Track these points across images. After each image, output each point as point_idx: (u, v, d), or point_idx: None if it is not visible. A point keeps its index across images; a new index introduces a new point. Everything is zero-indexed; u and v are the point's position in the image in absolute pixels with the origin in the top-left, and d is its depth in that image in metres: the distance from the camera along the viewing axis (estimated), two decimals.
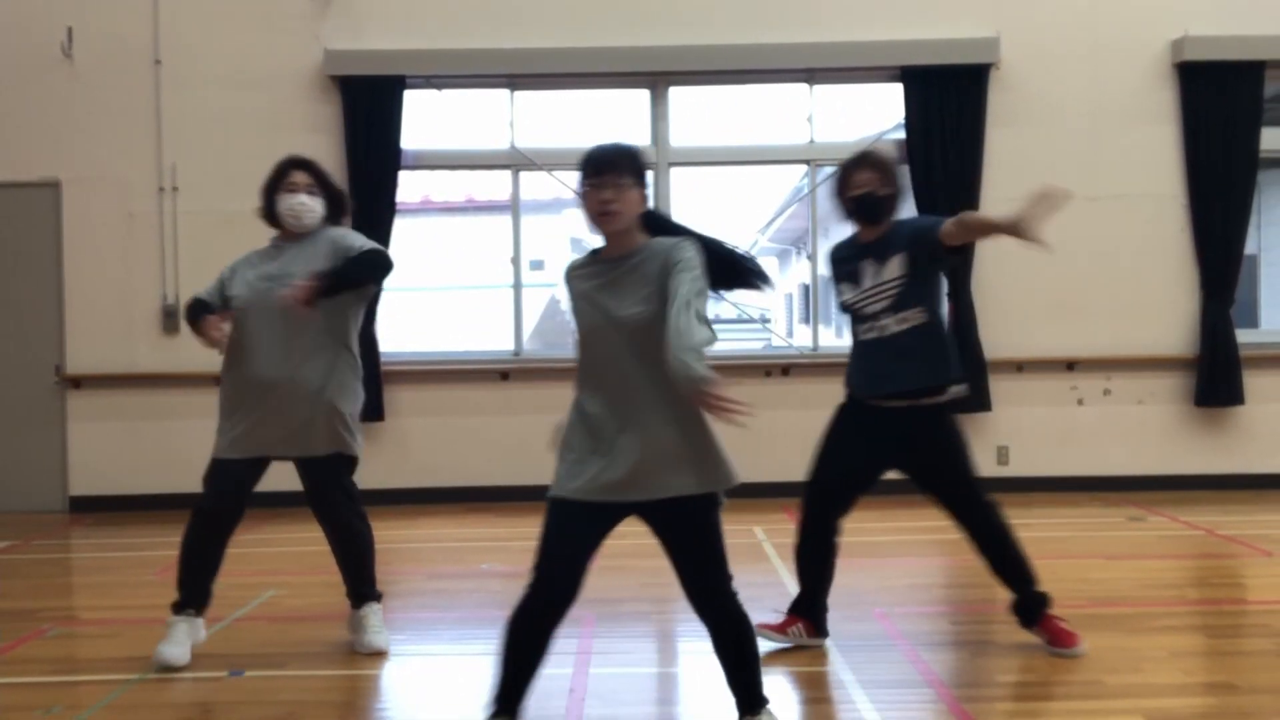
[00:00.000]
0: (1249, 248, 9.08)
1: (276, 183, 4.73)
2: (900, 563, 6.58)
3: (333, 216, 4.80)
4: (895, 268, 4.35)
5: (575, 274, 3.41)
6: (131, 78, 8.92)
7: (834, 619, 4.77)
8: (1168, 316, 8.97)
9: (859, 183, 4.40)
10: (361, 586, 4.76)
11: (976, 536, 4.53)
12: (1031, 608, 4.57)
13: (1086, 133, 8.91)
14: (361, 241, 4.66)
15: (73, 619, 5.68)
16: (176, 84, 8.93)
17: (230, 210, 8.76)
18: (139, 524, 8.29)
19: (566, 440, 3.28)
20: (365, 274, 4.57)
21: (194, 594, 4.61)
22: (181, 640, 4.54)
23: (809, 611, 4.66)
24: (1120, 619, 5.19)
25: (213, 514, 4.54)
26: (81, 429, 8.97)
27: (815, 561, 4.63)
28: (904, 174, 4.49)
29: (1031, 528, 7.62)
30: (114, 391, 8.93)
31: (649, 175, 3.27)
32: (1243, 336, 8.93)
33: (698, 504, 3.20)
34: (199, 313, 4.53)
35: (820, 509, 4.57)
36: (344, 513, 4.66)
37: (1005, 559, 4.54)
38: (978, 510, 4.49)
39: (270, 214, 4.75)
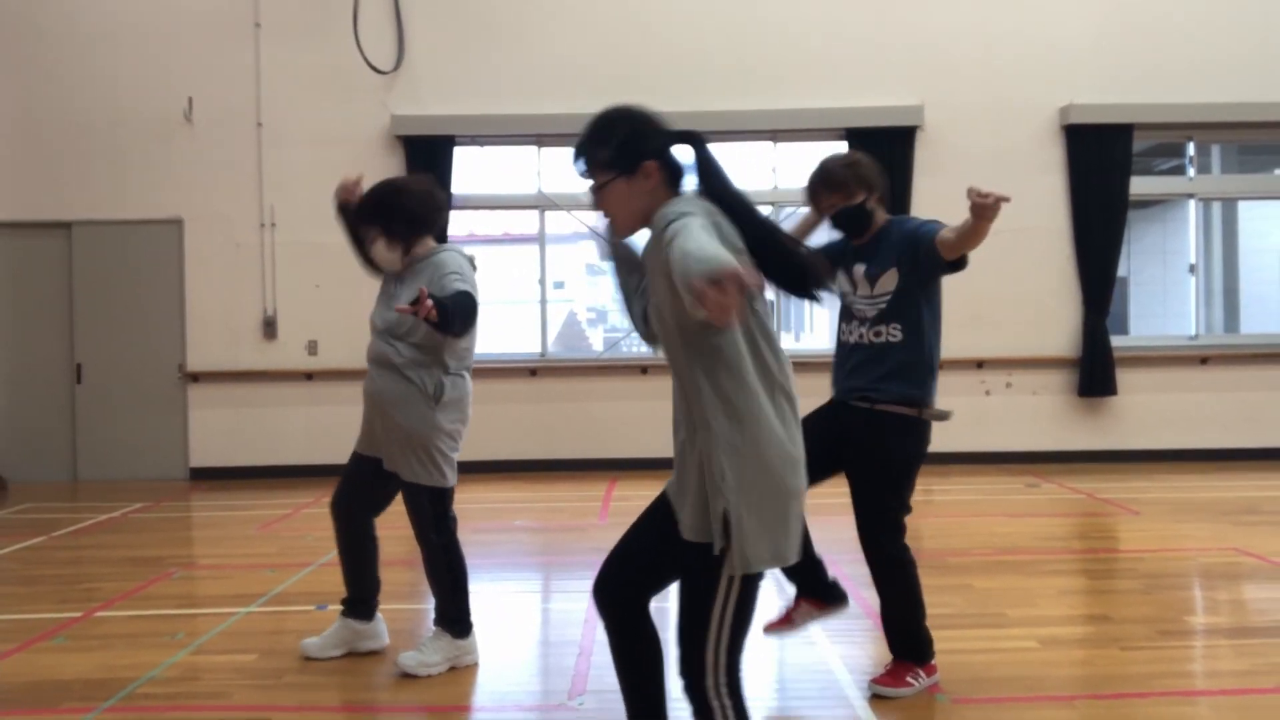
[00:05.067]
0: (1121, 271, 9.09)
1: (358, 245, 3.81)
2: (845, 518, 6.56)
3: (412, 230, 3.64)
4: (890, 281, 3.30)
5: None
6: (239, 137, 8.93)
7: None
8: (1057, 325, 8.97)
9: (827, 204, 3.39)
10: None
11: (876, 583, 3.42)
12: (908, 654, 3.41)
13: (992, 180, 8.72)
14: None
15: (193, 564, 5.69)
16: (274, 142, 8.94)
17: (317, 241, 8.81)
18: (245, 489, 8.30)
19: None
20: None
21: (350, 585, 3.86)
22: (328, 637, 3.86)
23: (811, 586, 3.52)
24: (1019, 564, 5.19)
25: (335, 496, 3.84)
26: (199, 414, 8.97)
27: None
28: (869, 171, 3.41)
29: (949, 492, 7.65)
30: (225, 385, 8.94)
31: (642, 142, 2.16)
32: (1116, 341, 8.92)
33: (694, 552, 2.07)
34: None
35: None
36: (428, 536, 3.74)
37: (883, 610, 3.45)
38: (866, 544, 3.36)
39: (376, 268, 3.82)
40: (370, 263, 3.80)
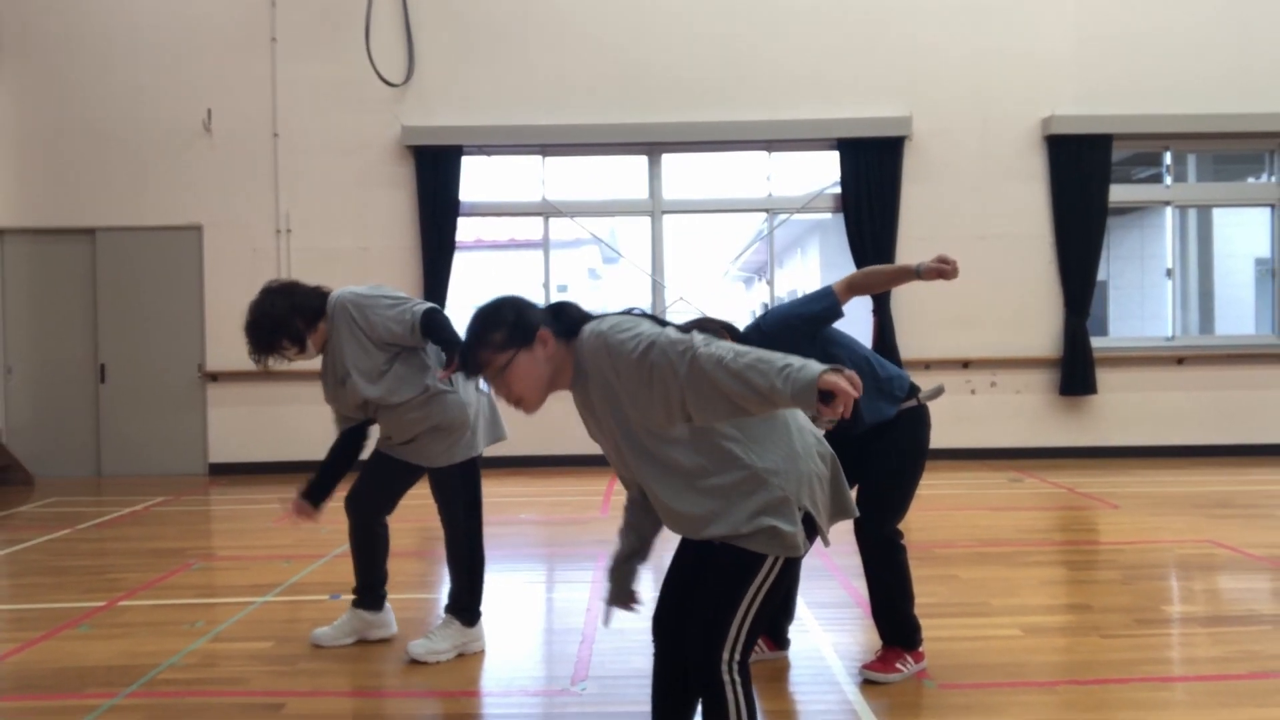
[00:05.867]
0: (1101, 275, 9.09)
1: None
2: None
3: (294, 327, 3.66)
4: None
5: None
6: (256, 147, 8.93)
7: None
8: (1039, 327, 8.97)
9: None
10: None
11: (866, 568, 3.43)
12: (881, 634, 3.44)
13: (977, 188, 8.91)
14: (397, 312, 3.50)
15: (211, 555, 5.68)
16: (290, 152, 8.94)
17: (330, 247, 8.83)
18: (261, 484, 8.29)
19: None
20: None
21: (360, 575, 3.88)
22: (340, 626, 3.87)
23: (769, 628, 3.59)
24: (1002, 555, 5.19)
25: (354, 489, 3.82)
26: (218, 412, 8.97)
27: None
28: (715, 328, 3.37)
29: (936, 487, 7.65)
30: (242, 384, 8.94)
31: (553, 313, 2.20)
32: (1096, 343, 8.93)
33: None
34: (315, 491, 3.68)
35: None
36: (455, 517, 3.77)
37: (871, 594, 3.42)
38: (872, 534, 3.34)
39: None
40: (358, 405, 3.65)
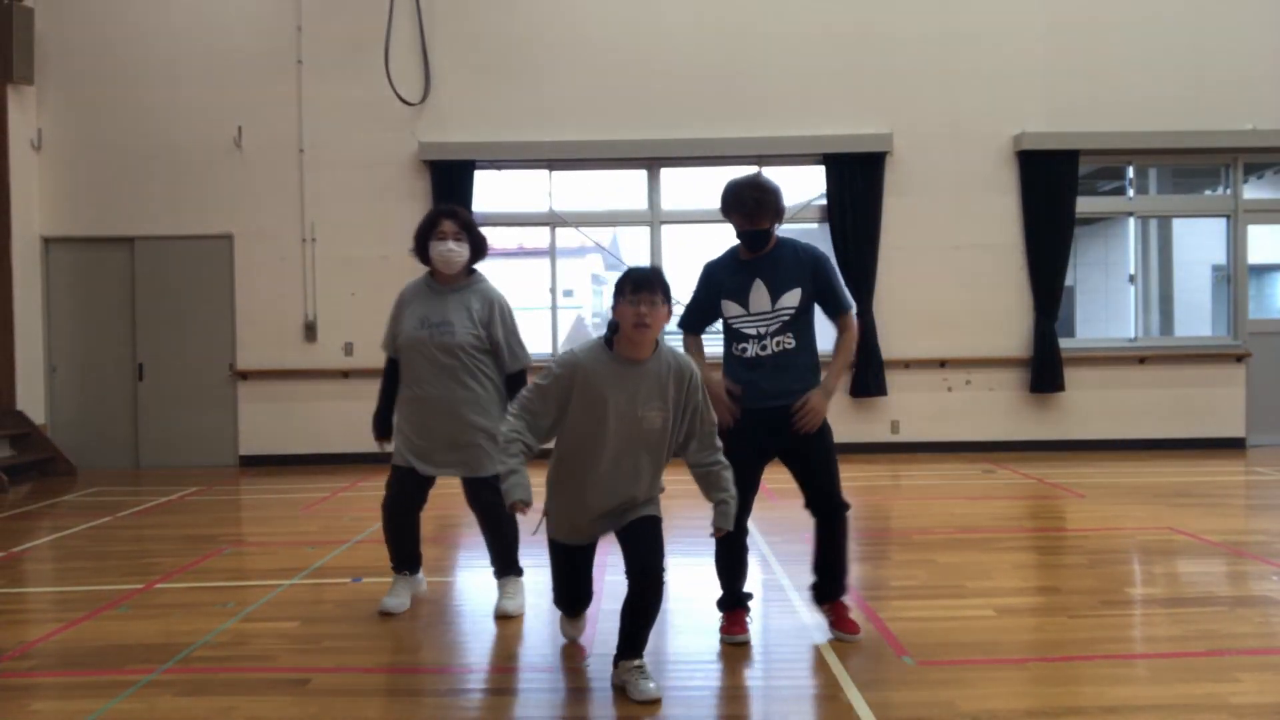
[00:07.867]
0: (1068, 281, 9.09)
1: (429, 230, 3.87)
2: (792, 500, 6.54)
3: (474, 259, 3.99)
4: (791, 299, 3.41)
5: (592, 362, 2.96)
6: (283, 162, 8.93)
7: (777, 543, 4.81)
8: (1011, 329, 8.97)
9: (735, 220, 3.46)
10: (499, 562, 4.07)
11: (819, 525, 3.56)
12: (827, 593, 3.59)
13: (954, 200, 8.91)
14: (516, 342, 3.94)
15: (241, 541, 5.69)
16: (314, 166, 8.94)
17: (352, 255, 8.83)
18: (288, 475, 8.29)
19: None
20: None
21: (400, 558, 4.07)
22: (399, 592, 4.07)
23: (740, 602, 3.66)
24: (977, 541, 5.19)
25: (393, 505, 3.97)
26: (248, 408, 8.97)
27: (737, 561, 3.62)
28: (778, 197, 3.45)
29: (916, 478, 7.65)
30: (270, 382, 8.94)
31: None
32: (1064, 343, 8.92)
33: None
34: (381, 421, 3.98)
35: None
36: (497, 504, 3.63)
37: (831, 555, 3.55)
38: (833, 500, 3.51)
39: (423, 256, 3.91)
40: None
